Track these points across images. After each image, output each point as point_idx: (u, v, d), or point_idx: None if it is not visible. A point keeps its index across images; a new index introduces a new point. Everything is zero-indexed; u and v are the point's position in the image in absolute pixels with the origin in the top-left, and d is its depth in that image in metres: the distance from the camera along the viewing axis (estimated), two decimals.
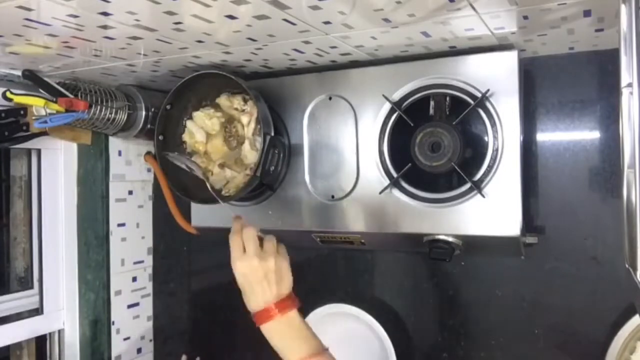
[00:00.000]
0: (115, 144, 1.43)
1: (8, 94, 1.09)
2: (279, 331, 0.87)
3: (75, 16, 0.76)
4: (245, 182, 1.10)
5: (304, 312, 1.31)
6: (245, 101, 1.15)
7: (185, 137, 1.20)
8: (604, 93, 1.10)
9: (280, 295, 0.88)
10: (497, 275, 1.21)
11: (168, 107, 1.16)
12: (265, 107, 1.12)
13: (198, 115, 1.17)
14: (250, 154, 1.15)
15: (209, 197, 1.07)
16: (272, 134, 1.10)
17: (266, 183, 1.16)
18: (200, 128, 1.18)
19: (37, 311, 1.34)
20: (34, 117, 1.12)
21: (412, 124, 1.07)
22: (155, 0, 0.71)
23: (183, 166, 1.12)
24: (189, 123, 1.19)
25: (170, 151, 1.16)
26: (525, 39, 1.00)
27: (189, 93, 1.17)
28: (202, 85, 1.15)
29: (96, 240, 1.41)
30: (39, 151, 1.31)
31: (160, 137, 1.18)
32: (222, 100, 1.16)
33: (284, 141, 1.18)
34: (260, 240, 0.91)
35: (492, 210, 1.02)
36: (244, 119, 1.15)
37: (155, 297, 1.57)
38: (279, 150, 1.10)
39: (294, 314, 0.88)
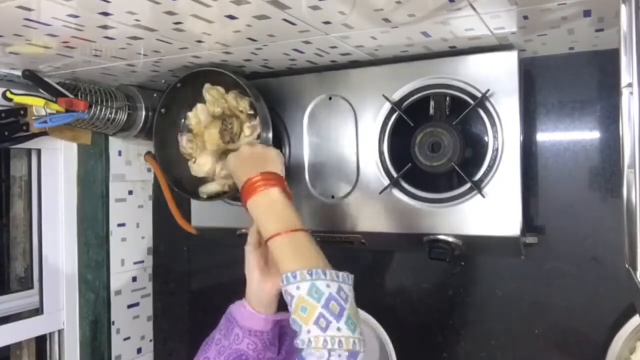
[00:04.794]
0: (115, 144, 1.43)
1: (8, 94, 1.09)
2: (260, 206, 0.88)
3: (75, 16, 0.76)
4: (227, 195, 1.14)
5: None
6: (252, 108, 1.15)
7: (191, 114, 1.21)
8: (604, 93, 1.10)
9: (265, 170, 0.90)
10: (497, 275, 1.21)
11: (179, 85, 1.15)
12: (265, 107, 1.12)
13: (211, 92, 1.17)
14: None
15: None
16: (271, 135, 1.10)
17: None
18: (207, 108, 1.19)
19: (37, 311, 1.33)
20: (34, 117, 1.12)
21: (412, 124, 1.07)
22: (155, 0, 0.71)
23: None
24: (199, 105, 1.20)
25: (168, 126, 1.19)
26: (525, 39, 1.00)
27: (202, 79, 1.16)
28: (213, 78, 1.16)
29: (96, 240, 1.41)
30: (39, 151, 1.31)
31: (163, 110, 1.18)
32: (230, 97, 1.16)
33: None
34: None
35: (492, 210, 1.02)
36: (247, 130, 1.15)
37: (155, 297, 1.57)
38: None
39: (276, 191, 0.89)
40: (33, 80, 1.07)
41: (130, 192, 1.49)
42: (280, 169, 0.94)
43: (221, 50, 1.00)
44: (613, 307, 1.09)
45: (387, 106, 1.10)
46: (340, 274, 0.80)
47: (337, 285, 0.78)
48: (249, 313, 0.88)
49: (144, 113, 1.27)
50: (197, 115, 1.19)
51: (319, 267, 0.79)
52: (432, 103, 1.08)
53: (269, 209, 0.88)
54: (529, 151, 1.14)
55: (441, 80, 1.06)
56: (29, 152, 1.32)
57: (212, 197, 1.16)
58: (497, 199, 1.01)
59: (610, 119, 1.10)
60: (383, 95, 1.09)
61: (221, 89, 1.17)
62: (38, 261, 1.34)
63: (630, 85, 0.61)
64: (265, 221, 0.87)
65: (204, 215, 1.31)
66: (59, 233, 1.36)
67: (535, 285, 1.17)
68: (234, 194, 1.13)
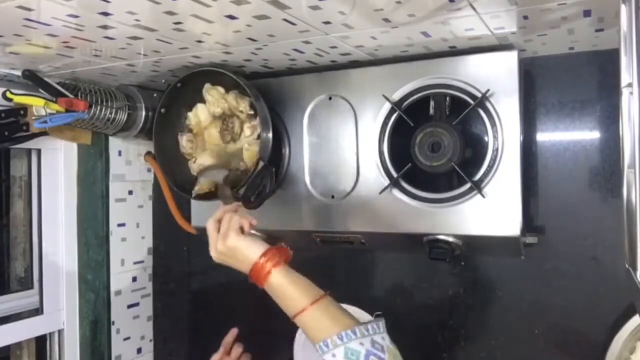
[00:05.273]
0: (115, 144, 1.43)
1: (8, 94, 1.09)
2: (271, 293, 0.87)
3: (75, 16, 0.76)
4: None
5: None
6: (252, 108, 1.15)
7: (191, 114, 1.21)
8: (604, 93, 1.10)
9: (249, 266, 0.88)
10: (497, 275, 1.21)
11: (179, 85, 1.15)
12: (265, 107, 1.11)
13: (212, 92, 1.17)
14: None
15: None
16: (271, 135, 1.10)
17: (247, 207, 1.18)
18: (207, 108, 1.19)
19: (37, 311, 1.33)
20: (34, 117, 1.12)
21: (412, 124, 1.07)
22: (155, 0, 0.71)
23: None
24: (200, 105, 1.20)
25: (168, 126, 1.19)
26: (525, 39, 1.00)
27: (202, 79, 1.17)
28: (213, 78, 1.16)
29: (96, 240, 1.41)
30: (39, 151, 1.31)
31: (163, 110, 1.18)
32: (230, 97, 1.16)
33: (273, 171, 1.13)
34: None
35: (492, 210, 1.02)
36: (247, 130, 1.15)
37: (155, 297, 1.57)
38: (266, 181, 1.09)
39: (272, 278, 0.86)
40: (33, 80, 1.07)
41: (130, 192, 1.49)
42: (249, 249, 0.89)
43: (221, 50, 1.00)
44: (613, 307, 1.09)
45: (387, 106, 1.10)
46: (370, 325, 0.81)
47: (369, 339, 0.79)
48: None
49: (144, 113, 1.27)
50: (197, 115, 1.19)
51: (348, 327, 0.80)
52: (432, 103, 1.08)
53: (283, 292, 0.86)
54: (529, 151, 1.14)
55: (441, 80, 1.06)
56: (29, 152, 1.32)
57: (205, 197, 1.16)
58: (497, 199, 1.01)
59: (610, 119, 1.10)
60: (383, 95, 1.09)
61: (221, 89, 1.17)
62: (38, 261, 1.34)
63: (630, 85, 0.60)
64: (285, 303, 0.86)
65: (204, 215, 1.30)
66: (59, 233, 1.36)
67: (535, 285, 1.17)
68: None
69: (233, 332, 1.09)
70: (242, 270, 0.90)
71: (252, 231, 0.95)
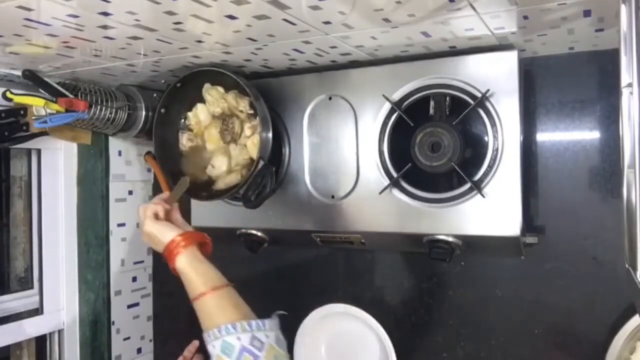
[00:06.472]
0: (115, 144, 1.43)
1: (8, 94, 1.09)
2: (180, 275, 0.94)
3: (75, 16, 0.76)
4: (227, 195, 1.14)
5: (304, 311, 1.31)
6: (252, 108, 1.15)
7: (191, 114, 1.21)
8: (604, 93, 1.10)
9: (162, 249, 0.96)
10: (497, 275, 1.21)
11: (179, 85, 1.15)
12: (265, 107, 1.12)
13: (211, 92, 1.17)
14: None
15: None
16: (271, 135, 1.10)
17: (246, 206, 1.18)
18: (207, 108, 1.20)
19: (37, 311, 1.34)
20: (34, 117, 1.12)
21: (412, 124, 1.07)
22: (155, 0, 0.71)
23: None
24: (199, 105, 1.21)
25: (168, 126, 1.21)
26: (525, 39, 1.00)
27: (202, 79, 1.17)
28: (213, 78, 1.16)
29: (96, 240, 1.41)
30: (39, 151, 1.31)
31: (163, 110, 1.18)
32: (230, 97, 1.16)
33: (273, 170, 1.13)
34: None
35: (492, 210, 1.02)
36: (248, 130, 1.15)
37: (155, 297, 1.57)
38: (266, 181, 1.09)
39: (178, 260, 0.93)
40: (33, 80, 1.07)
41: (130, 192, 1.49)
42: (163, 234, 0.95)
43: (221, 50, 1.00)
44: (613, 307, 1.09)
45: (387, 106, 1.10)
46: (254, 322, 0.82)
47: (249, 335, 0.80)
48: None
49: (144, 113, 1.27)
50: (197, 115, 1.20)
51: (233, 320, 0.81)
52: (432, 103, 1.08)
53: (186, 275, 0.92)
54: (529, 151, 1.14)
55: (441, 80, 1.06)
56: (29, 152, 1.32)
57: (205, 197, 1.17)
58: (497, 199, 1.01)
59: (610, 119, 1.10)
60: (383, 95, 1.09)
61: (221, 89, 1.17)
62: (38, 261, 1.34)
63: (630, 85, 0.60)
64: (187, 286, 0.92)
65: (204, 215, 1.31)
66: (59, 233, 1.36)
67: (535, 285, 1.17)
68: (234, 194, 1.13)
69: (195, 343, 1.13)
70: (157, 247, 0.98)
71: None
